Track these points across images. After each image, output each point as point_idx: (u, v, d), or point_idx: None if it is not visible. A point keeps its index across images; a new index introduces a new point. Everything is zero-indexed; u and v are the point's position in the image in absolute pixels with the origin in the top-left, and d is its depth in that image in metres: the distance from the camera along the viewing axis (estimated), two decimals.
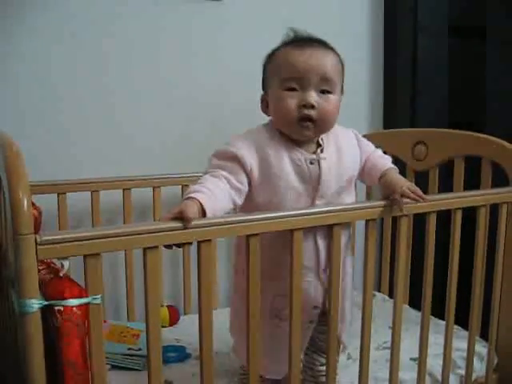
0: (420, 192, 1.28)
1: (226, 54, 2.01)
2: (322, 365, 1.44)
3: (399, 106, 2.30)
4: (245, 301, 1.16)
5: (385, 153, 1.47)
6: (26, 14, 1.72)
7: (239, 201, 1.24)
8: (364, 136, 2.04)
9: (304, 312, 1.30)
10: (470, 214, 1.53)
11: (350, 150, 1.35)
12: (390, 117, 2.32)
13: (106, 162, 1.87)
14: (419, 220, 1.55)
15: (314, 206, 1.26)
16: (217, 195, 1.16)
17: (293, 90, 1.25)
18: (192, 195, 1.11)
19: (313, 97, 1.24)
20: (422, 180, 1.94)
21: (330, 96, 1.26)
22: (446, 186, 1.84)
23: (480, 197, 1.51)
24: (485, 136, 1.73)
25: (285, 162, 1.26)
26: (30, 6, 1.72)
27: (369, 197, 2.09)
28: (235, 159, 1.24)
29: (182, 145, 1.97)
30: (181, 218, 1.03)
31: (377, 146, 1.47)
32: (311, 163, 1.28)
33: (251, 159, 1.25)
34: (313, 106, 1.24)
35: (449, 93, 2.28)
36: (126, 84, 1.89)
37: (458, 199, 1.46)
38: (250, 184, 1.26)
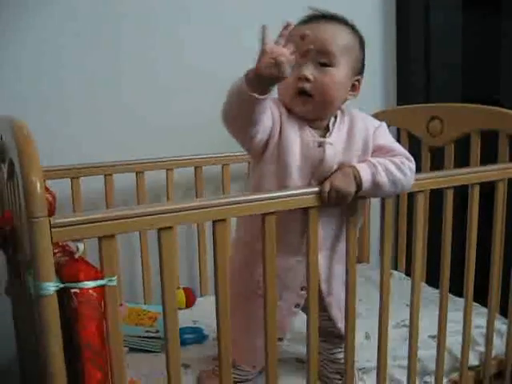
0: (331, 199, 1.16)
1: (240, 35, 1.98)
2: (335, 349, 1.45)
3: (413, 82, 2.27)
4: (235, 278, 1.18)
5: (398, 140, 1.38)
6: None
7: (260, 132, 1.19)
8: (378, 113, 2.04)
9: (290, 293, 1.30)
10: (487, 189, 1.50)
11: (362, 138, 1.27)
12: (403, 93, 2.29)
13: (118, 145, 1.86)
14: (436, 196, 1.53)
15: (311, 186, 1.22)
16: None
17: None
18: None
19: (308, 69, 1.21)
20: (437, 156, 1.92)
21: (330, 69, 1.21)
22: (462, 162, 1.82)
23: (498, 171, 1.49)
24: (501, 109, 1.71)
25: (295, 138, 1.23)
26: None
27: None
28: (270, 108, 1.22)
29: (195, 126, 1.95)
30: None
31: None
32: (319, 146, 1.24)
33: (276, 121, 1.23)
34: (307, 79, 1.20)
35: (463, 67, 2.25)
36: (136, 67, 1.88)
37: (475, 174, 1.44)
38: (266, 143, 1.23)
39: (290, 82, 1.21)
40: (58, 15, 1.75)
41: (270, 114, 1.21)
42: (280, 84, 1.22)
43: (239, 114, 1.15)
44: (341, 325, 1.36)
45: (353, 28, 1.28)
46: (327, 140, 1.25)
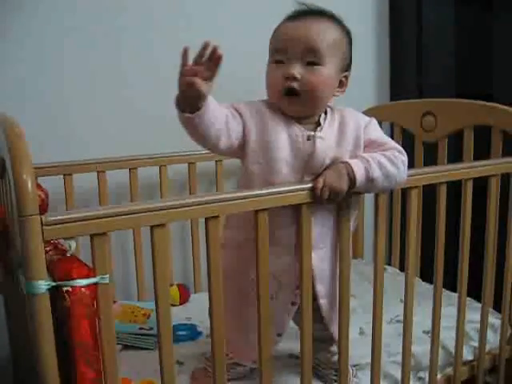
0: (323, 196, 1.16)
1: (234, 33, 1.98)
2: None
3: (406, 78, 2.27)
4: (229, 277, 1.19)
5: (392, 136, 1.37)
6: None
7: (223, 143, 1.20)
8: (372, 109, 2.04)
9: (286, 291, 1.30)
10: (480, 184, 1.50)
11: (353, 134, 1.27)
12: (396, 88, 2.29)
13: (111, 141, 1.85)
14: (430, 191, 1.53)
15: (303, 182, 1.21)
16: (217, 109, 1.17)
17: (280, 62, 1.22)
18: None
19: (296, 68, 1.20)
20: (431, 151, 1.92)
21: (318, 68, 1.20)
22: (455, 157, 1.82)
23: (491, 166, 1.49)
24: (494, 105, 1.71)
25: (281, 134, 1.23)
26: None
27: None
28: (237, 111, 1.24)
29: None
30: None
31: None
32: (308, 139, 1.24)
33: (250, 121, 1.24)
34: (295, 78, 1.20)
35: (456, 62, 2.25)
36: (131, 63, 1.87)
37: (468, 169, 1.45)
38: (243, 144, 1.24)
39: (278, 81, 1.22)
40: (55, 11, 1.74)
41: (236, 121, 1.22)
42: (267, 83, 1.25)
43: (188, 132, 1.18)
44: (334, 328, 1.35)
45: (340, 23, 1.27)
46: (317, 134, 1.24)
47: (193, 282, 1.99)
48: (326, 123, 1.27)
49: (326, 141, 1.24)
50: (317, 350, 1.43)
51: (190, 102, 1.12)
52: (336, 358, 1.36)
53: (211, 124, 1.16)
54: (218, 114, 1.17)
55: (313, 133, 1.24)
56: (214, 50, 1.08)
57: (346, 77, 1.30)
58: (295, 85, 1.20)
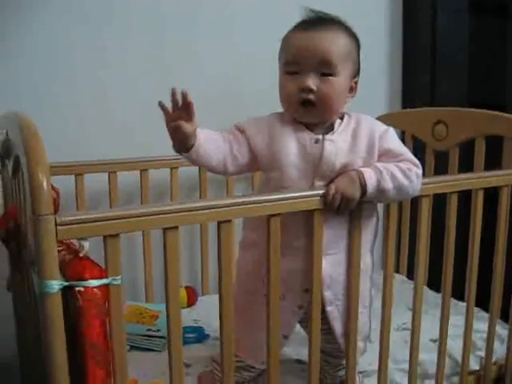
0: (335, 202, 1.17)
1: (240, 36, 1.99)
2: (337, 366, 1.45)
3: (418, 86, 2.26)
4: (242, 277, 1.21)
5: (403, 141, 1.35)
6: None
7: (231, 167, 1.27)
8: (383, 116, 2.04)
9: (293, 294, 1.30)
10: (490, 194, 1.50)
11: (367, 140, 1.26)
12: (408, 96, 2.29)
13: (123, 142, 1.86)
14: (439, 201, 1.52)
15: (313, 188, 1.22)
16: (211, 139, 1.23)
17: (294, 73, 1.24)
18: None
19: (311, 80, 1.22)
20: (442, 160, 1.92)
21: (332, 79, 1.23)
22: (466, 166, 1.81)
23: (502, 177, 1.49)
24: (506, 115, 1.70)
25: (290, 140, 1.25)
26: None
27: None
28: (243, 132, 1.29)
29: (200, 125, 1.95)
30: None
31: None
32: (316, 142, 1.25)
33: (255, 135, 1.28)
34: (311, 90, 1.22)
35: (469, 72, 2.24)
36: (142, 64, 1.88)
37: (479, 179, 1.44)
38: (254, 160, 1.28)
39: (293, 92, 1.23)
40: (67, 14, 1.76)
41: (240, 144, 1.27)
42: (282, 95, 1.27)
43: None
44: (342, 340, 1.34)
45: (347, 29, 1.29)
46: (327, 137, 1.25)
47: (200, 284, 1.99)
48: (341, 128, 1.28)
49: (337, 144, 1.25)
50: (325, 363, 1.43)
51: (181, 142, 1.20)
52: (343, 372, 1.37)
53: (212, 155, 1.23)
54: (216, 145, 1.25)
55: (321, 136, 1.25)
56: (184, 97, 1.14)
57: (356, 82, 1.31)
58: (311, 96, 1.22)
